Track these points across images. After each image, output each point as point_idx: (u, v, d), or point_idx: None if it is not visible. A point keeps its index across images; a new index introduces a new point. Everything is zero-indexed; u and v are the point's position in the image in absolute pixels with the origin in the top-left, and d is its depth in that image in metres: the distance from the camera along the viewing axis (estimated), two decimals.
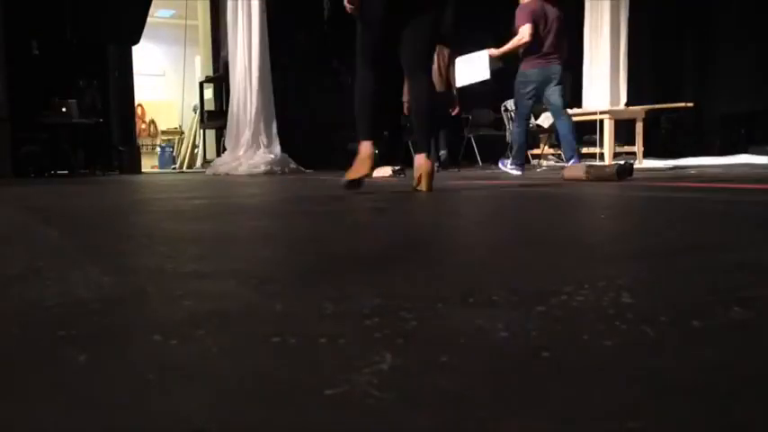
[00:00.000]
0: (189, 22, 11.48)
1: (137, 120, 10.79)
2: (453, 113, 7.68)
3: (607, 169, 4.19)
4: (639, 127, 7.77)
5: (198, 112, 10.95)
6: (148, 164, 11.51)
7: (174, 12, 12.35)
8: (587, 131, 8.31)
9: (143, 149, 11.08)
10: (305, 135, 9.13)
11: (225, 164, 8.12)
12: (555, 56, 5.69)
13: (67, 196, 3.79)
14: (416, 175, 3.26)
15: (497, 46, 6.06)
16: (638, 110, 7.84)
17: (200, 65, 11.45)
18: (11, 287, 0.96)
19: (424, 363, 0.55)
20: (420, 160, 3.29)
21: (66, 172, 8.18)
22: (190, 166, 11.38)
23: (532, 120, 7.69)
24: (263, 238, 1.63)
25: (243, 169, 7.93)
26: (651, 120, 8.38)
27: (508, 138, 8.01)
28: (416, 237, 1.55)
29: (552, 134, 8.23)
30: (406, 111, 6.71)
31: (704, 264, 1.05)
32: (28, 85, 8.05)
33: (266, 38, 8.34)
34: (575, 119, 8.23)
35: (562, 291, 0.81)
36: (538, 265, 1.08)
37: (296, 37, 9.30)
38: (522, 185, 3.96)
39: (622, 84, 8.42)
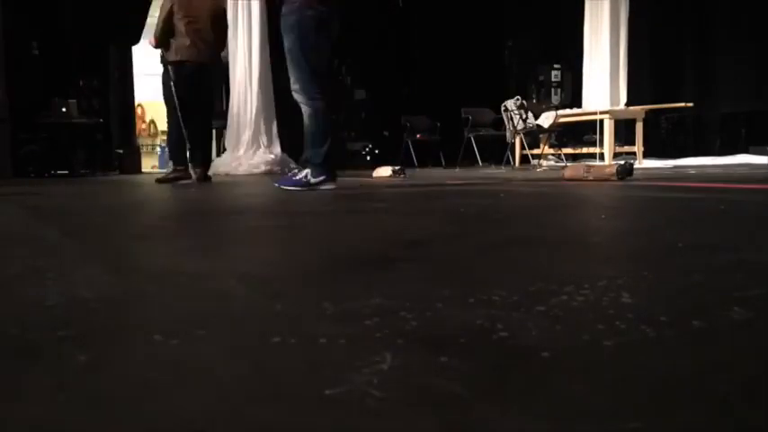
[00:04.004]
0: None
1: (137, 120, 10.77)
2: None
3: (607, 169, 4.19)
4: (639, 127, 7.76)
5: None
6: (148, 164, 11.48)
7: None
8: (587, 131, 8.32)
9: (143, 149, 11.05)
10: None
11: (225, 164, 8.11)
12: None
13: (67, 196, 3.79)
14: None
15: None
16: (638, 110, 7.83)
17: None
18: (11, 287, 0.96)
19: (424, 363, 0.55)
20: None
21: (66, 172, 8.17)
22: None
23: (532, 119, 7.70)
24: (264, 238, 1.63)
25: (243, 169, 7.93)
26: (651, 120, 8.38)
27: (508, 138, 8.01)
28: (416, 237, 1.55)
29: (552, 134, 8.24)
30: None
31: (704, 264, 1.05)
32: (28, 85, 8.04)
33: (266, 38, 8.33)
34: (575, 119, 8.27)
35: (562, 291, 0.81)
36: (538, 265, 1.08)
37: None
38: (521, 185, 3.96)
39: (622, 84, 8.42)
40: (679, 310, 0.72)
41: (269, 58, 8.38)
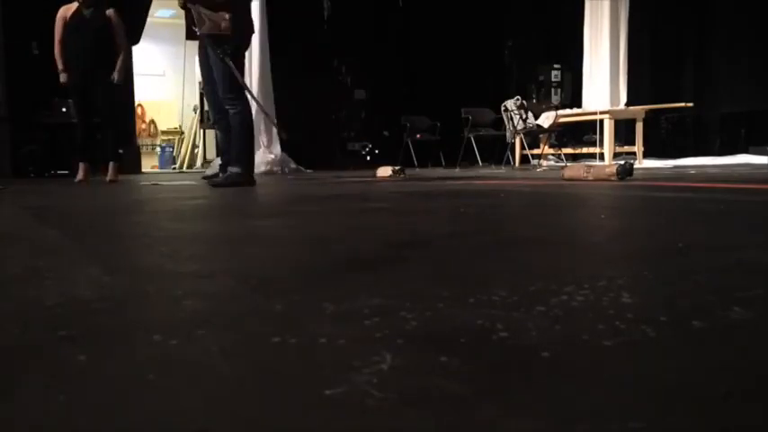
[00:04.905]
0: None
1: (137, 120, 10.77)
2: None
3: (607, 169, 4.19)
4: (639, 127, 7.77)
5: (198, 112, 10.94)
6: (148, 164, 11.48)
7: (174, 12, 12.32)
8: (587, 131, 8.32)
9: (143, 149, 11.05)
10: (305, 135, 9.13)
11: None
12: None
13: (67, 196, 3.78)
14: None
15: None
16: (638, 110, 7.84)
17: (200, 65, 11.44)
18: (11, 287, 0.96)
19: (424, 363, 0.55)
20: None
21: (66, 172, 8.17)
22: (190, 166, 11.36)
23: (532, 119, 7.70)
24: (263, 238, 1.63)
25: None
26: (651, 120, 8.38)
27: (508, 138, 8.01)
28: (416, 237, 1.55)
29: (552, 134, 8.24)
30: None
31: (704, 264, 1.05)
32: (28, 85, 8.04)
33: (266, 38, 8.33)
34: (575, 119, 8.27)
35: (562, 291, 0.81)
36: (538, 265, 1.08)
37: (296, 36, 9.30)
38: (521, 185, 3.96)
39: (622, 84, 8.43)
40: (679, 310, 0.72)
41: (269, 58, 8.38)
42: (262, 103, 8.33)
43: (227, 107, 4.32)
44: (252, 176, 4.37)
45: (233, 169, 4.30)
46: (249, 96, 4.39)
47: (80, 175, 5.72)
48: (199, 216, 2.43)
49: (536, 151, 8.45)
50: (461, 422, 0.43)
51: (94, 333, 0.67)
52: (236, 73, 4.23)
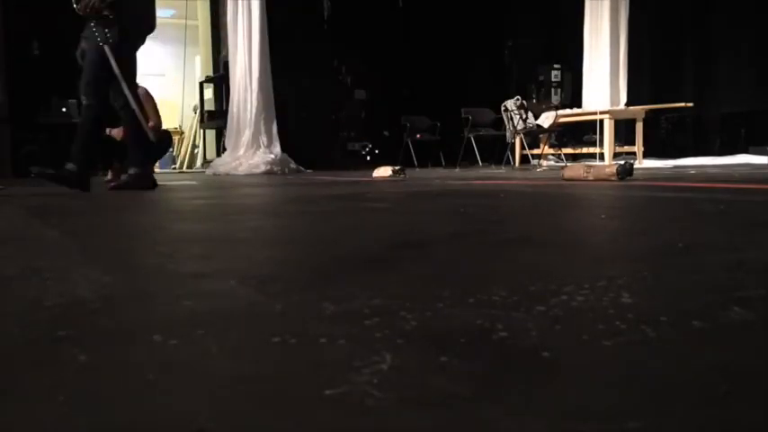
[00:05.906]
0: (189, 22, 11.47)
1: None
2: None
3: (607, 169, 4.19)
4: (639, 127, 7.76)
5: (198, 112, 10.95)
6: None
7: (174, 12, 12.34)
8: (587, 131, 8.31)
9: None
10: (305, 135, 9.13)
11: (225, 164, 8.12)
12: None
13: (68, 196, 3.78)
14: None
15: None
16: (638, 110, 7.83)
17: (200, 65, 11.45)
18: (11, 287, 0.96)
19: (424, 363, 0.55)
20: None
21: None
22: (190, 166, 11.37)
23: (532, 119, 7.70)
24: (263, 238, 1.63)
25: (243, 169, 7.92)
26: (651, 120, 8.37)
27: (508, 138, 8.01)
28: (416, 237, 1.55)
29: (552, 134, 8.24)
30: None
31: (704, 264, 1.05)
32: (28, 85, 8.04)
33: (266, 38, 8.34)
34: (575, 119, 8.27)
35: (562, 291, 0.81)
36: (538, 265, 1.08)
37: (296, 37, 9.30)
38: (521, 185, 3.96)
39: (622, 84, 8.42)
40: (679, 310, 0.72)
41: (269, 58, 8.39)
42: (262, 102, 8.35)
43: (81, 96, 4.05)
44: (83, 177, 4.14)
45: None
46: (128, 95, 3.99)
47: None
48: (199, 216, 2.43)
49: (536, 151, 8.45)
50: (461, 422, 0.43)
51: (94, 333, 0.67)
52: (114, 63, 3.88)
